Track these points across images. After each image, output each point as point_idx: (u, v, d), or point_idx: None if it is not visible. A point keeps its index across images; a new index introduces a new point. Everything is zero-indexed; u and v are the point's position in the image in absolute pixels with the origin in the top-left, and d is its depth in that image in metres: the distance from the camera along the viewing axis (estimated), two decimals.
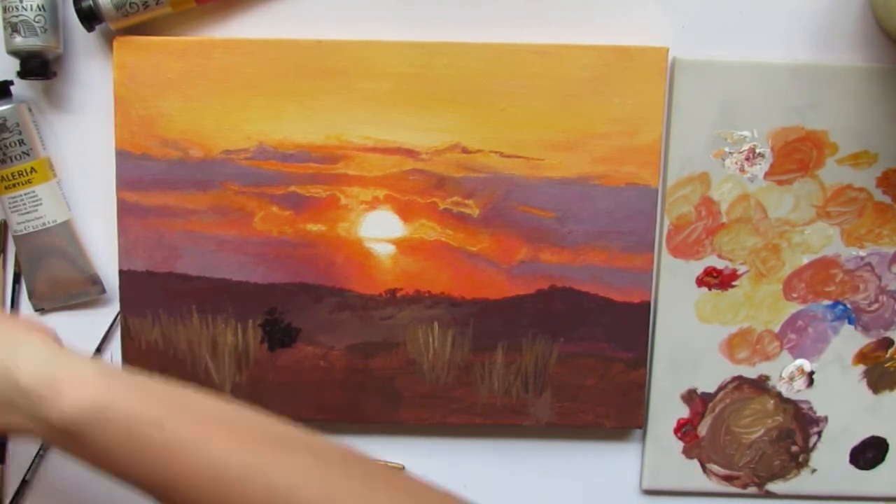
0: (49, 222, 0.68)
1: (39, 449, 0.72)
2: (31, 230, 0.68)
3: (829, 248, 0.70)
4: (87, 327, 0.71)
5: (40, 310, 0.71)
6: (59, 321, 0.71)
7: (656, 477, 0.73)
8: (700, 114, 0.68)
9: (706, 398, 0.72)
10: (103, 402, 0.51)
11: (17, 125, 0.67)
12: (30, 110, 0.68)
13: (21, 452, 0.72)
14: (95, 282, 0.70)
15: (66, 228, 0.69)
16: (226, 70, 0.67)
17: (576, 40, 0.68)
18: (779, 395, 0.72)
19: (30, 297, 0.71)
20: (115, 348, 0.71)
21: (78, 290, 0.70)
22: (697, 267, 0.70)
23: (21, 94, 0.68)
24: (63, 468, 0.73)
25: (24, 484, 0.72)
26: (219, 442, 0.51)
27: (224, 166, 0.68)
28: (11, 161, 0.67)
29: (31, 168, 0.67)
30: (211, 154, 0.68)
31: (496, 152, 0.68)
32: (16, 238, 0.69)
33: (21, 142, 0.67)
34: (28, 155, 0.67)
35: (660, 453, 0.73)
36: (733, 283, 0.71)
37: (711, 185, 0.69)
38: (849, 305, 0.71)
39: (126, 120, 0.67)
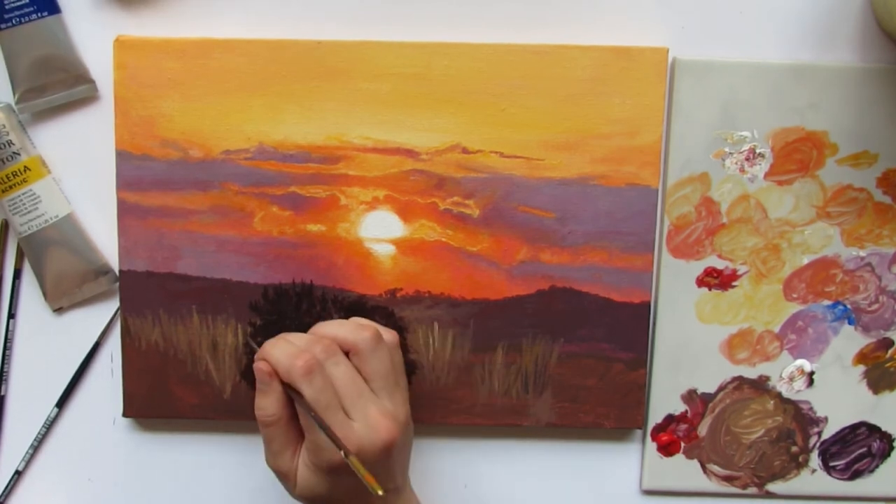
0: (51, 218, 0.68)
1: (34, 440, 0.72)
2: (35, 228, 0.68)
3: (829, 248, 0.70)
4: (86, 327, 0.71)
5: (58, 310, 0.71)
6: (59, 321, 0.71)
7: (656, 477, 0.73)
8: (700, 114, 0.68)
9: (706, 398, 0.72)
10: None
11: (4, 126, 0.66)
12: (12, 110, 0.67)
13: (14, 443, 0.72)
14: (107, 272, 0.70)
15: (70, 222, 0.69)
16: (226, 70, 0.67)
17: (576, 40, 0.68)
18: (779, 395, 0.72)
19: (45, 299, 0.70)
20: (115, 348, 0.71)
21: (91, 283, 0.70)
22: (697, 267, 0.70)
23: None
24: (57, 460, 0.73)
25: (18, 475, 0.72)
26: None
27: (224, 167, 0.68)
28: (3, 163, 0.67)
29: (25, 167, 0.67)
30: (211, 154, 0.68)
31: (496, 152, 0.68)
32: (21, 241, 0.69)
33: (10, 143, 0.67)
34: (19, 155, 0.67)
35: (660, 454, 0.73)
36: (733, 284, 0.71)
37: (711, 186, 0.69)
38: (849, 306, 0.71)
39: (126, 120, 0.67)
